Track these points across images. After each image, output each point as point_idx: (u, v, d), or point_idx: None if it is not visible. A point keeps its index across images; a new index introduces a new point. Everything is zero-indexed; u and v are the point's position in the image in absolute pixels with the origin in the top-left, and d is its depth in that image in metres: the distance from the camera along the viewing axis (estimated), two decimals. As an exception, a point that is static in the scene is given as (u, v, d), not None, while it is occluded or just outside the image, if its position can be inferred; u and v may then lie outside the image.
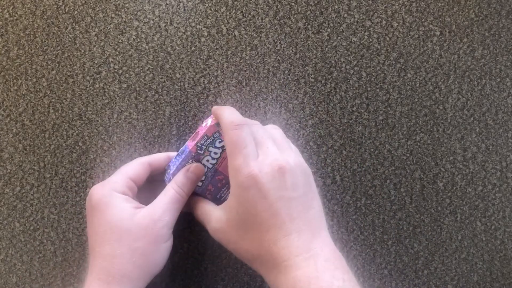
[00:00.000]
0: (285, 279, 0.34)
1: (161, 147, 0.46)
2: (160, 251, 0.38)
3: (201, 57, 0.46)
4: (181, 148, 0.41)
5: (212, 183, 0.40)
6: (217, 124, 0.39)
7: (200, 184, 0.40)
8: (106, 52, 0.46)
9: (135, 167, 0.40)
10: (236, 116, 0.37)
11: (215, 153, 0.40)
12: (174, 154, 0.42)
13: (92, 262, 0.37)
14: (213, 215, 0.38)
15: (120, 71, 0.46)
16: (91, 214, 0.38)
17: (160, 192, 0.39)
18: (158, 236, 0.37)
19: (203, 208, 0.39)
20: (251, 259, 0.37)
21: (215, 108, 0.39)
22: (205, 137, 0.39)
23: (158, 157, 0.42)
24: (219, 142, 0.39)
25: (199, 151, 0.39)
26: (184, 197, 0.39)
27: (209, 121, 0.40)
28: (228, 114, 0.38)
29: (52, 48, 0.46)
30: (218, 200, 0.41)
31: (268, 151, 0.37)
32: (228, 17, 0.46)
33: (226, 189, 0.41)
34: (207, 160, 0.40)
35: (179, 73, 0.46)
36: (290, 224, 0.35)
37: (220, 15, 0.46)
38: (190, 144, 0.40)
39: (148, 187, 0.41)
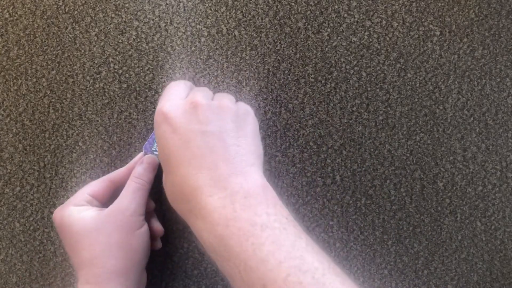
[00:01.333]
0: (203, 225, 0.31)
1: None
2: (136, 238, 0.38)
3: (201, 57, 0.46)
4: None
5: None
6: None
7: None
8: (106, 52, 0.46)
9: (93, 184, 0.41)
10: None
11: None
12: (133, 162, 0.43)
13: (79, 274, 0.37)
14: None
15: (120, 71, 0.46)
16: (61, 234, 0.39)
17: None
18: (130, 224, 0.38)
19: None
20: (172, 202, 0.35)
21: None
22: None
23: (118, 172, 0.42)
24: None
25: None
26: (145, 184, 0.40)
27: None
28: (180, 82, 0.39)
29: (52, 48, 0.46)
30: None
31: (193, 95, 0.36)
32: (228, 17, 0.46)
33: None
34: None
35: (179, 73, 0.46)
36: (201, 159, 0.32)
37: (220, 15, 0.46)
38: None
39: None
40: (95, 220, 0.37)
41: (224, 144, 0.33)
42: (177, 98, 0.36)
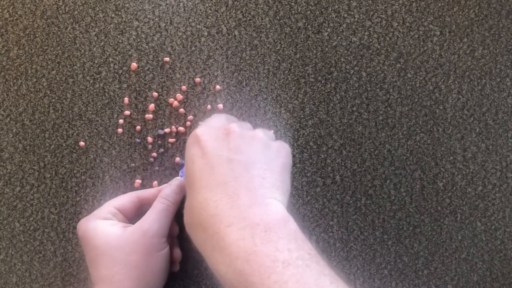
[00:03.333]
0: (221, 258, 0.29)
1: (161, 146, 0.46)
2: (155, 261, 0.38)
3: (201, 57, 0.46)
4: None
5: None
6: None
7: None
8: (106, 52, 0.46)
9: (120, 197, 0.41)
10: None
11: None
12: (165, 186, 0.43)
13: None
14: None
15: (120, 71, 0.46)
16: (83, 246, 0.39)
17: None
18: (150, 246, 0.37)
19: None
20: (189, 231, 0.33)
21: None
22: None
23: (147, 191, 0.42)
24: None
25: None
26: (170, 206, 0.40)
27: None
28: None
29: (52, 48, 0.46)
30: None
31: (229, 124, 0.35)
32: (228, 17, 0.46)
33: None
34: None
35: (179, 73, 0.46)
36: (223, 186, 0.31)
37: (220, 15, 0.46)
38: None
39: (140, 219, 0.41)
40: (117, 238, 0.37)
41: (249, 174, 0.31)
42: (214, 125, 0.36)
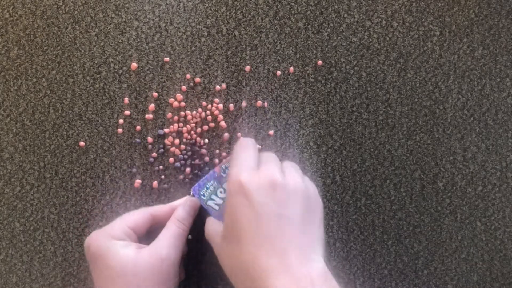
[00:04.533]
0: None
1: (161, 147, 0.46)
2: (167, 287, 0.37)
3: (201, 57, 0.46)
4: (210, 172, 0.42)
5: None
6: None
7: (217, 208, 0.41)
8: (106, 52, 0.46)
9: (134, 216, 0.40)
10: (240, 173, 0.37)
11: None
12: (177, 203, 0.42)
13: None
14: (216, 231, 0.38)
15: (120, 71, 0.46)
16: (93, 262, 0.38)
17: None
18: (166, 275, 0.37)
19: (211, 227, 0.40)
20: (231, 274, 0.35)
21: (236, 144, 0.39)
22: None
23: (161, 209, 0.41)
24: None
25: (222, 174, 0.40)
26: (186, 230, 0.39)
27: None
28: (248, 140, 0.38)
29: (52, 48, 0.46)
30: None
31: (268, 167, 0.36)
32: (228, 17, 0.46)
33: None
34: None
35: (179, 73, 0.46)
36: (273, 242, 0.33)
37: (220, 15, 0.46)
38: (217, 168, 0.42)
39: (150, 236, 0.41)
40: (133, 262, 0.36)
41: (296, 232, 0.33)
42: (250, 167, 0.36)
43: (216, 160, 0.45)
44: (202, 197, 0.41)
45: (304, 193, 0.35)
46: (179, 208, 0.40)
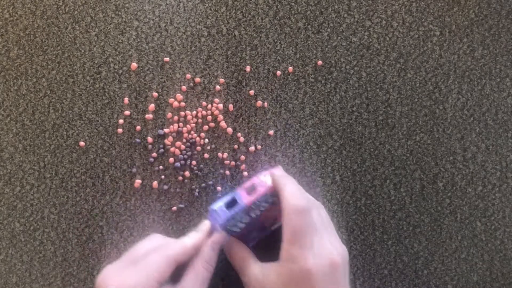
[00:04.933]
0: None
1: (161, 147, 0.46)
2: None
3: (201, 57, 0.46)
4: (230, 194, 0.40)
5: (248, 229, 0.41)
6: None
7: (238, 230, 0.40)
8: (106, 52, 0.46)
9: (161, 268, 0.37)
10: (299, 199, 0.37)
11: (263, 206, 0.40)
12: (197, 238, 0.40)
13: None
14: (252, 269, 0.39)
15: (120, 71, 0.46)
16: None
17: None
18: None
19: (242, 258, 0.40)
20: None
21: (277, 176, 0.39)
22: (265, 195, 0.39)
23: (185, 253, 0.39)
24: (271, 196, 0.39)
25: (252, 206, 0.39)
26: (212, 272, 0.39)
27: (268, 180, 0.40)
28: (291, 192, 0.38)
29: (52, 48, 0.46)
30: (248, 242, 0.42)
31: (322, 242, 0.37)
32: (228, 17, 0.46)
33: (256, 232, 0.42)
34: (254, 211, 0.40)
35: (179, 73, 0.46)
36: None
37: (220, 15, 0.46)
38: (244, 195, 0.40)
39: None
40: None
41: None
42: (313, 244, 0.37)
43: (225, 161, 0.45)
44: (227, 227, 0.40)
45: (345, 266, 0.38)
46: (207, 249, 0.39)
